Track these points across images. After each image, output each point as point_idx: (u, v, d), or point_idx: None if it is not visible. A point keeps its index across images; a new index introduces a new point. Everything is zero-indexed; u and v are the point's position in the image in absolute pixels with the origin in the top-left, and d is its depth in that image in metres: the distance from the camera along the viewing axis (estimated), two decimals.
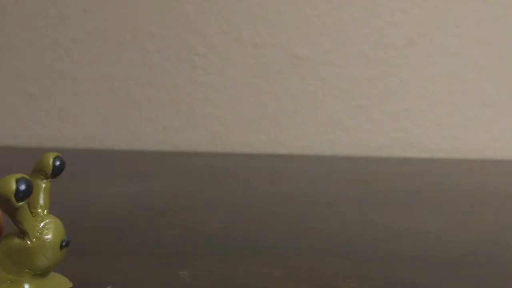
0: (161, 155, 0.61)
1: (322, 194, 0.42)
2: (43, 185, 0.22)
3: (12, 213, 0.20)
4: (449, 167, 0.58)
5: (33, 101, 0.65)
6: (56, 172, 0.22)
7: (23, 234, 0.21)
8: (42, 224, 0.21)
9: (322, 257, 0.26)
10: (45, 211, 0.22)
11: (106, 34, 0.64)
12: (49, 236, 0.21)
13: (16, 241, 0.21)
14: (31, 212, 0.21)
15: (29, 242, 0.21)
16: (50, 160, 0.22)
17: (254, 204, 0.38)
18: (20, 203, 0.20)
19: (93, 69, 0.65)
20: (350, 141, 0.65)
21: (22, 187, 0.20)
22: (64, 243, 0.21)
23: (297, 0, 0.64)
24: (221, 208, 0.36)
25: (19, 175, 0.20)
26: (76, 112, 0.65)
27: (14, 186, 0.19)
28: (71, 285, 0.23)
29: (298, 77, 0.65)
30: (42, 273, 0.22)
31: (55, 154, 0.22)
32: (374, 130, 0.65)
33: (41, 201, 0.22)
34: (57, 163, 0.22)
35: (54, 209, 0.23)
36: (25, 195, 0.20)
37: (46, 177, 0.22)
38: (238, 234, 0.30)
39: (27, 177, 0.20)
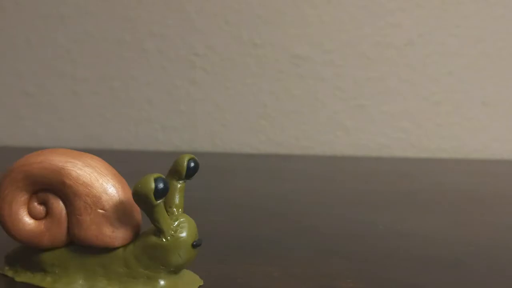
0: (161, 155, 0.61)
1: (322, 194, 0.42)
2: (178, 186, 0.22)
3: (150, 211, 0.21)
4: (449, 167, 0.58)
5: (32, 100, 0.65)
6: (190, 173, 0.22)
7: (159, 232, 0.21)
8: (177, 223, 0.21)
9: (322, 257, 0.26)
10: (180, 210, 0.22)
11: (106, 34, 0.64)
12: (183, 235, 0.21)
13: (153, 238, 0.21)
14: (167, 211, 0.22)
15: (164, 240, 0.21)
16: (185, 162, 0.22)
17: (253, 204, 0.38)
18: (158, 201, 0.20)
19: (93, 69, 0.65)
20: (350, 141, 0.65)
21: (160, 185, 0.20)
22: (195, 243, 0.22)
23: (297, 0, 0.64)
24: (221, 208, 0.36)
25: (156, 175, 0.20)
26: (76, 111, 0.65)
27: (153, 185, 0.20)
28: (202, 283, 0.23)
29: (298, 77, 0.65)
30: (176, 270, 0.22)
31: (190, 156, 0.22)
32: (374, 130, 0.65)
33: (177, 201, 0.22)
34: (192, 164, 0.22)
35: None
36: (163, 193, 0.20)
37: (180, 178, 0.22)
38: (237, 234, 0.30)
39: (163, 176, 0.20)
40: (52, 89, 0.65)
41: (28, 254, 0.23)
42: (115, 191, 0.22)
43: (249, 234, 0.30)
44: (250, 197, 0.40)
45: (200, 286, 0.23)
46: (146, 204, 0.21)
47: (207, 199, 0.38)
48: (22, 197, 0.22)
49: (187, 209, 0.23)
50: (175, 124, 0.65)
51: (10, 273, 0.24)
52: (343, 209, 0.37)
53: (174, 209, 0.22)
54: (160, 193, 0.20)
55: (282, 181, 0.48)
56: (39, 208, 0.22)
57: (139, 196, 0.20)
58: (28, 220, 0.22)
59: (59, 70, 0.65)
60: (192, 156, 0.23)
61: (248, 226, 0.32)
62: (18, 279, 0.23)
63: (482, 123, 0.65)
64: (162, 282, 0.22)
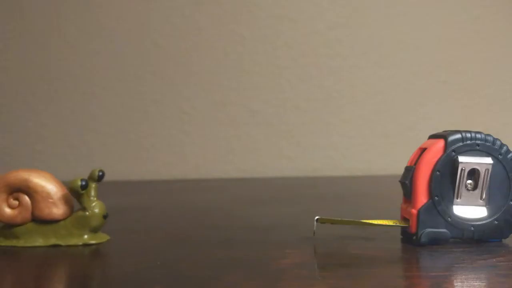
0: (158, 182, 0.90)
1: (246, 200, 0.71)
2: (93, 185, 0.39)
3: (78, 197, 0.38)
4: (345, 181, 0.86)
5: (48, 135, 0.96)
6: (100, 178, 0.39)
7: (84, 208, 0.38)
8: (94, 204, 0.38)
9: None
10: (95, 198, 0.38)
11: (122, 101, 0.95)
12: (96, 210, 0.38)
13: (80, 213, 0.38)
14: (89, 199, 0.38)
15: (87, 213, 0.38)
16: (96, 172, 0.39)
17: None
18: (82, 191, 0.37)
19: (112, 122, 0.96)
20: (292, 166, 0.94)
21: (83, 183, 0.37)
22: (104, 215, 0.38)
23: (248, 68, 0.94)
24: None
25: (81, 177, 0.37)
26: (93, 149, 0.96)
27: (79, 183, 0.37)
28: (109, 238, 0.39)
29: (254, 125, 0.95)
30: (94, 230, 0.38)
31: (99, 169, 0.39)
32: (307, 158, 0.94)
33: (93, 193, 0.38)
34: (100, 173, 0.39)
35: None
36: (85, 187, 0.37)
37: (94, 181, 0.38)
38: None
39: (85, 178, 0.38)
40: (72, 128, 0.96)
41: (6, 229, 0.38)
42: (57, 189, 0.38)
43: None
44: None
45: (108, 239, 0.39)
46: (76, 193, 0.37)
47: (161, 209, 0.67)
48: (3, 197, 0.38)
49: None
50: (170, 160, 0.95)
51: None
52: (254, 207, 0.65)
53: (92, 198, 0.38)
54: (83, 187, 0.37)
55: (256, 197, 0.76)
56: (14, 202, 0.38)
57: (72, 189, 0.37)
58: (7, 210, 0.38)
59: (81, 117, 0.96)
60: (101, 169, 0.38)
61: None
62: (2, 244, 0.38)
63: (384, 150, 0.93)
64: (86, 236, 0.38)
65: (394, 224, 0.35)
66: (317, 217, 0.36)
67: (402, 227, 0.36)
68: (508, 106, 0.94)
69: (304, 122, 0.95)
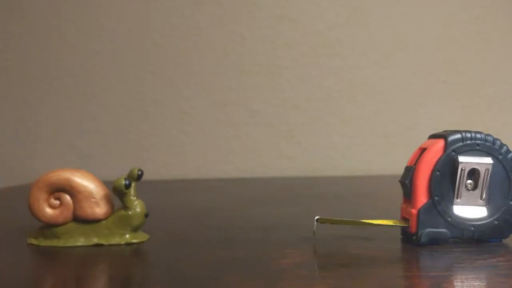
0: (158, 182, 0.90)
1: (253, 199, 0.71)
2: (133, 184, 0.38)
3: (122, 197, 0.37)
4: (350, 181, 0.86)
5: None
6: (139, 178, 0.38)
7: (126, 208, 0.37)
8: (135, 203, 0.38)
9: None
10: (135, 197, 0.38)
11: (122, 101, 0.96)
12: (138, 210, 0.38)
13: (123, 212, 0.38)
14: (130, 198, 0.38)
15: (130, 212, 0.37)
16: (135, 171, 0.38)
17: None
18: (126, 191, 0.37)
19: (112, 122, 0.96)
20: (292, 166, 0.94)
21: (127, 182, 0.37)
22: (146, 214, 0.38)
23: (248, 68, 0.94)
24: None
25: (125, 176, 0.37)
26: (93, 149, 0.96)
27: (123, 182, 0.37)
28: (148, 236, 0.39)
29: (254, 125, 0.95)
30: (135, 229, 0.38)
31: (138, 168, 0.38)
32: (307, 158, 0.94)
33: (132, 192, 0.38)
34: (139, 173, 0.38)
35: None
36: (129, 186, 0.37)
37: (134, 180, 0.38)
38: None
39: (128, 178, 0.37)
40: (73, 131, 0.96)
41: (47, 229, 0.38)
42: (99, 189, 0.38)
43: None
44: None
45: (148, 238, 0.39)
46: (120, 192, 0.37)
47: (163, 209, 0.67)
48: (45, 196, 0.37)
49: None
50: (171, 161, 0.95)
51: (35, 242, 0.38)
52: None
53: (133, 197, 0.37)
54: (127, 186, 0.37)
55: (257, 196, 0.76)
56: (55, 202, 0.37)
57: (116, 188, 0.36)
58: (48, 210, 0.37)
59: (85, 118, 0.96)
60: (140, 168, 0.38)
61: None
62: (42, 244, 0.38)
63: (384, 150, 0.93)
64: (127, 236, 0.38)
65: (394, 224, 0.35)
66: (317, 217, 0.36)
67: (402, 227, 0.36)
68: (508, 106, 0.94)
69: (304, 122, 0.95)
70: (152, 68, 0.95)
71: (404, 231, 0.36)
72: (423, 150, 0.35)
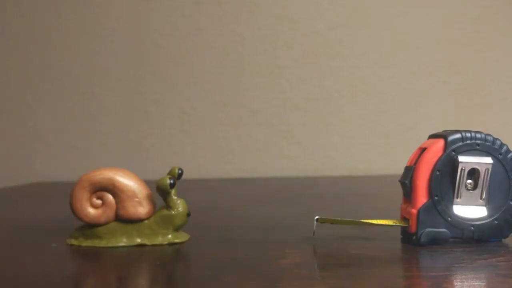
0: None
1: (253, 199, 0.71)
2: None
3: (166, 196, 0.36)
4: (350, 181, 0.86)
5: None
6: (179, 177, 0.37)
7: (169, 207, 0.37)
8: (178, 202, 0.37)
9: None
10: (175, 196, 0.37)
11: (122, 101, 0.95)
12: (181, 209, 0.37)
13: (165, 211, 0.37)
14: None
15: (173, 212, 0.37)
16: (176, 170, 0.38)
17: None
18: (171, 190, 0.36)
19: (112, 122, 0.96)
20: (292, 166, 0.94)
21: (172, 181, 0.36)
22: (188, 213, 0.37)
23: (248, 68, 0.94)
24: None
25: (169, 175, 0.36)
26: (93, 149, 0.96)
27: (168, 181, 0.35)
28: (189, 236, 0.38)
29: (255, 125, 0.95)
30: (177, 229, 0.37)
31: (178, 167, 0.37)
32: (307, 158, 0.94)
33: (173, 191, 0.37)
34: (180, 171, 0.38)
35: None
36: (173, 186, 0.36)
37: (174, 179, 0.37)
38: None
39: (172, 177, 0.36)
40: (73, 132, 0.96)
41: (88, 229, 0.37)
42: (142, 188, 0.37)
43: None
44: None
45: (189, 238, 0.38)
46: (165, 192, 0.36)
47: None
48: (87, 196, 0.37)
49: None
50: (170, 161, 0.95)
51: (76, 243, 0.37)
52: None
53: (174, 196, 0.37)
54: (172, 185, 0.36)
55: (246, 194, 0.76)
56: (97, 202, 0.37)
57: (160, 188, 0.35)
58: (91, 210, 0.37)
59: (83, 119, 0.96)
60: (180, 167, 0.37)
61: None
62: (84, 244, 0.37)
63: (384, 150, 0.93)
64: (170, 236, 0.37)
65: (394, 224, 0.35)
66: (317, 217, 0.36)
67: (402, 227, 0.36)
68: (508, 106, 0.94)
69: (304, 122, 0.95)
70: (152, 68, 0.95)
71: (404, 231, 0.36)
72: (423, 150, 0.36)
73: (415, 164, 0.35)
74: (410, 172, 0.35)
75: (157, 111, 0.95)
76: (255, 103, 0.95)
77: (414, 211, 0.34)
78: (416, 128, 0.94)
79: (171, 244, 0.37)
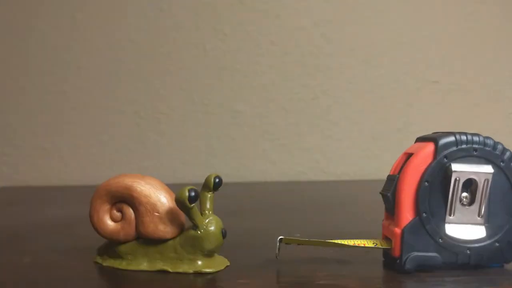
0: None
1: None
2: (208, 195, 0.31)
3: (187, 212, 0.29)
4: (348, 186, 0.80)
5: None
6: (216, 186, 0.30)
7: (195, 226, 0.29)
8: (207, 220, 0.29)
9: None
10: (210, 212, 0.30)
11: (95, 100, 0.89)
12: (212, 228, 0.29)
13: (191, 232, 0.29)
14: (201, 213, 0.30)
15: (199, 232, 0.29)
16: (212, 179, 0.31)
17: None
18: (192, 205, 0.28)
19: (85, 124, 0.90)
20: (276, 170, 0.88)
21: (192, 194, 0.28)
22: (223, 232, 0.30)
23: (230, 66, 0.88)
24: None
25: (190, 187, 0.28)
26: (77, 155, 0.90)
27: (187, 194, 0.28)
28: (229, 264, 0.30)
29: (237, 126, 0.89)
30: (209, 254, 0.30)
31: (216, 174, 0.30)
32: (293, 161, 0.88)
33: (207, 206, 0.30)
34: (217, 180, 0.31)
35: None
36: (195, 199, 0.28)
37: (209, 190, 0.31)
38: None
39: (195, 188, 0.28)
40: (59, 140, 0.90)
41: (111, 246, 0.32)
42: (166, 200, 0.30)
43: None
44: None
45: (227, 266, 0.30)
46: (184, 207, 0.28)
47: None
48: (106, 207, 0.31)
49: None
50: (145, 165, 0.89)
51: (100, 260, 0.32)
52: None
53: (206, 212, 0.30)
54: (193, 199, 0.28)
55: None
56: (117, 214, 0.31)
57: (178, 202, 0.28)
58: (110, 223, 0.31)
59: (67, 127, 0.90)
60: (217, 174, 0.30)
61: None
62: (105, 264, 0.32)
63: (373, 153, 0.88)
64: (199, 262, 0.29)
65: (373, 245, 0.29)
66: (280, 237, 0.30)
67: (384, 249, 0.30)
68: (504, 107, 0.88)
69: (288, 124, 0.89)
70: (127, 65, 0.89)
71: (387, 253, 0.30)
72: (409, 156, 0.30)
73: (399, 173, 0.29)
74: (393, 183, 0.29)
75: (131, 111, 0.89)
76: (236, 103, 0.89)
77: (398, 230, 0.28)
78: (406, 130, 0.88)
79: (199, 273, 0.29)
